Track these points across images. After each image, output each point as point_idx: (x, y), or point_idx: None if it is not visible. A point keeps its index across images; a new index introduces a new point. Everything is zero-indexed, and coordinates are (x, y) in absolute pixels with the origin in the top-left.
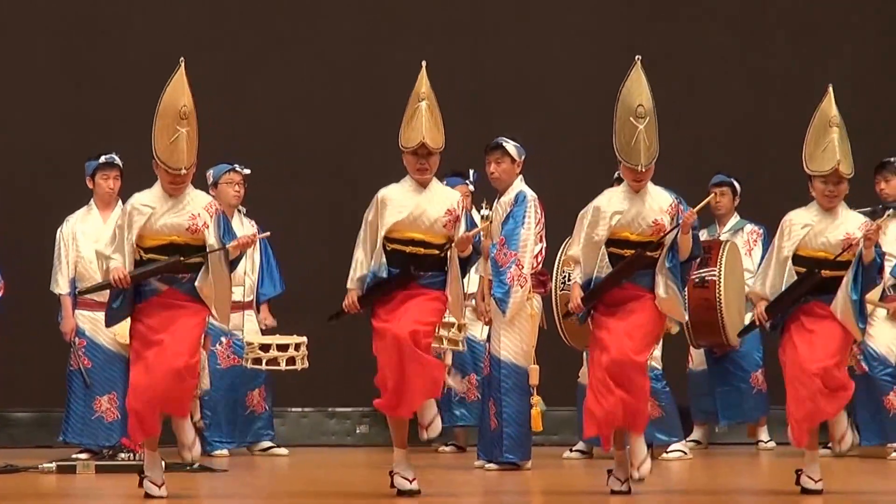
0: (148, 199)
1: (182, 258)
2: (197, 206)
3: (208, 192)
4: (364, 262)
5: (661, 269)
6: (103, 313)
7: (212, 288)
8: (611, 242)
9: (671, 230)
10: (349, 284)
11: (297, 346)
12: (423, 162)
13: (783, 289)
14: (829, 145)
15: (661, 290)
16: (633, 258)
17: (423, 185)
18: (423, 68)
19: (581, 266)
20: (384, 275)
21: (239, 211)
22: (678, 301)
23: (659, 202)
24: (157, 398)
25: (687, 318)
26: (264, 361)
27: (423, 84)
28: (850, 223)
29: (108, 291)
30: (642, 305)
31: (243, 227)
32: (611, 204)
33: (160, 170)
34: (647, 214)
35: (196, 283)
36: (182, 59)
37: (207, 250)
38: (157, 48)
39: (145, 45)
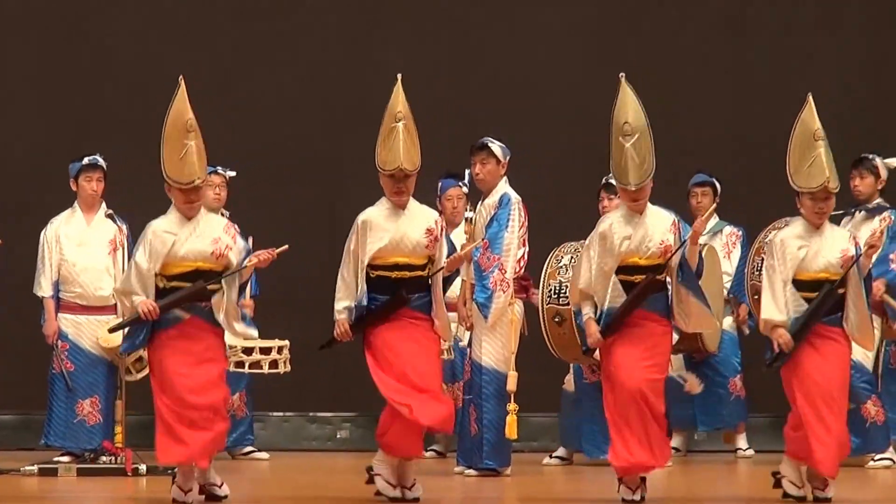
0: (167, 226)
1: (204, 283)
2: (216, 229)
3: None
4: (349, 292)
5: (676, 288)
6: (86, 317)
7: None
8: (620, 270)
9: (678, 249)
10: (337, 314)
11: (280, 350)
12: (399, 185)
13: (797, 313)
14: (815, 160)
15: (682, 313)
16: (647, 283)
17: (401, 206)
18: (399, 82)
19: (593, 299)
20: (367, 304)
21: (222, 214)
22: (708, 319)
23: (661, 223)
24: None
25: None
26: (247, 365)
27: (399, 101)
28: (839, 238)
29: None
30: (654, 331)
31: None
32: (616, 230)
33: (174, 191)
34: (654, 236)
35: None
36: (182, 77)
37: (224, 273)
38: (141, 50)
39: (130, 47)
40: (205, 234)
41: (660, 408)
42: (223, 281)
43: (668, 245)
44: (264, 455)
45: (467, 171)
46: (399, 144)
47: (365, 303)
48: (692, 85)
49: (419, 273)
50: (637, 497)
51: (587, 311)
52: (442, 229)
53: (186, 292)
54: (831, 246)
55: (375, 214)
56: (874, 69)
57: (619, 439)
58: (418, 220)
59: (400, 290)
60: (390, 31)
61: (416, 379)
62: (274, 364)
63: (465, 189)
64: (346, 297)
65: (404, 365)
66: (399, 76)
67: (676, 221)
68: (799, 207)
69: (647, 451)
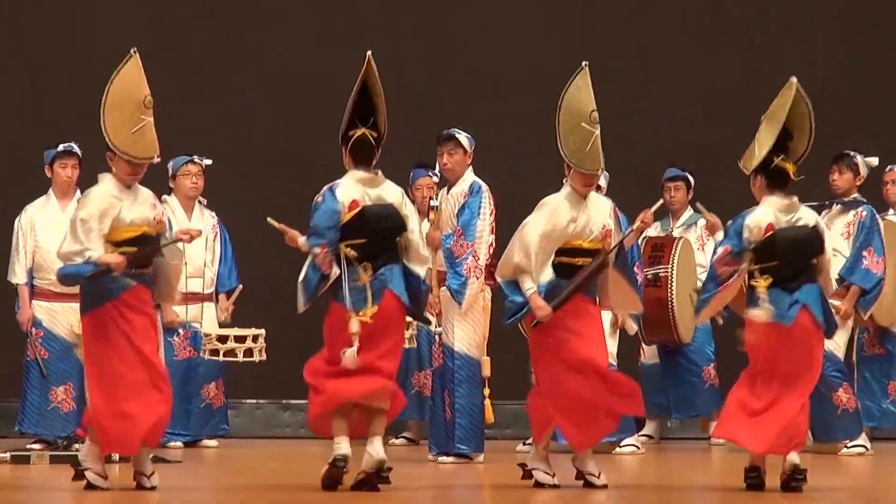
0: (111, 190)
1: (166, 239)
2: (149, 196)
3: (168, 185)
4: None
5: (610, 271)
6: (61, 304)
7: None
8: (562, 252)
9: (626, 234)
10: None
11: (255, 338)
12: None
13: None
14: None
15: (613, 295)
16: (601, 263)
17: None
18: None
19: (530, 275)
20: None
21: (199, 202)
22: (636, 303)
23: (602, 207)
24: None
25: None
26: (221, 353)
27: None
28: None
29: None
30: (590, 311)
31: (203, 218)
32: (564, 213)
33: (120, 161)
34: (596, 220)
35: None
36: (134, 49)
37: (161, 242)
38: (113, 40)
39: (101, 38)
40: (144, 201)
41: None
42: (165, 254)
43: (609, 229)
44: (213, 443)
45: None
46: None
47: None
48: (664, 81)
49: None
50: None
51: (530, 286)
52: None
53: (156, 245)
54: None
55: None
56: (848, 67)
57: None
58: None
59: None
60: (360, 26)
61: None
62: (249, 353)
63: (435, 179)
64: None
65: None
66: (369, 54)
67: (614, 207)
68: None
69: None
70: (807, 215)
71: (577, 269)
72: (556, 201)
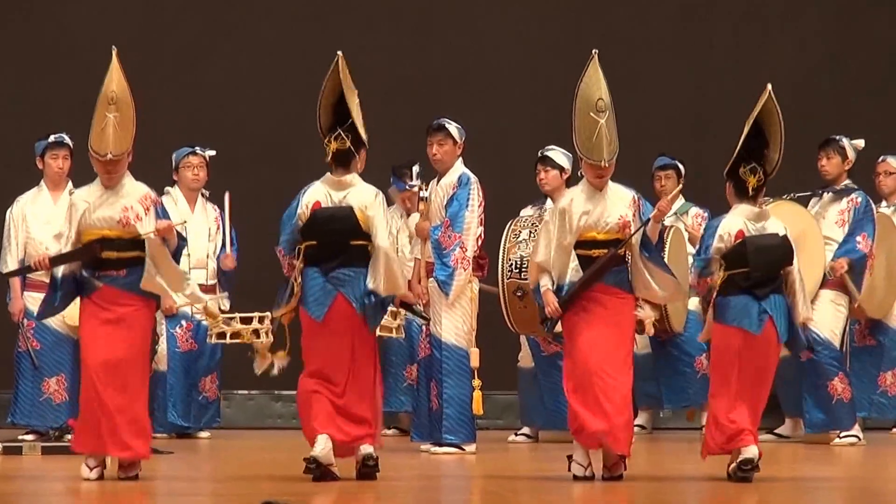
0: (86, 194)
1: (100, 245)
2: (131, 198)
3: (172, 177)
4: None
5: (644, 263)
6: None
7: (158, 284)
8: (578, 244)
9: (643, 225)
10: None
11: (262, 320)
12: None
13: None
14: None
15: (656, 286)
16: (610, 256)
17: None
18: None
19: (550, 273)
20: None
21: (202, 195)
22: (678, 288)
23: (621, 199)
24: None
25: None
26: (228, 335)
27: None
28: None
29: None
30: (619, 306)
31: (206, 212)
32: (576, 205)
33: (92, 160)
34: (612, 211)
35: (141, 285)
36: (114, 47)
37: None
38: (105, 31)
39: (93, 29)
40: (117, 203)
41: (623, 385)
42: (148, 252)
43: (627, 220)
44: (205, 434)
45: (415, 169)
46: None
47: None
48: (653, 70)
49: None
50: (588, 473)
51: (545, 283)
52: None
53: (77, 250)
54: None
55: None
56: (836, 54)
57: (577, 405)
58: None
59: None
60: (352, 17)
61: None
62: (255, 333)
63: (415, 188)
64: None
65: None
66: (340, 53)
67: (636, 198)
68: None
69: (603, 420)
70: (774, 225)
71: (593, 260)
72: (571, 194)
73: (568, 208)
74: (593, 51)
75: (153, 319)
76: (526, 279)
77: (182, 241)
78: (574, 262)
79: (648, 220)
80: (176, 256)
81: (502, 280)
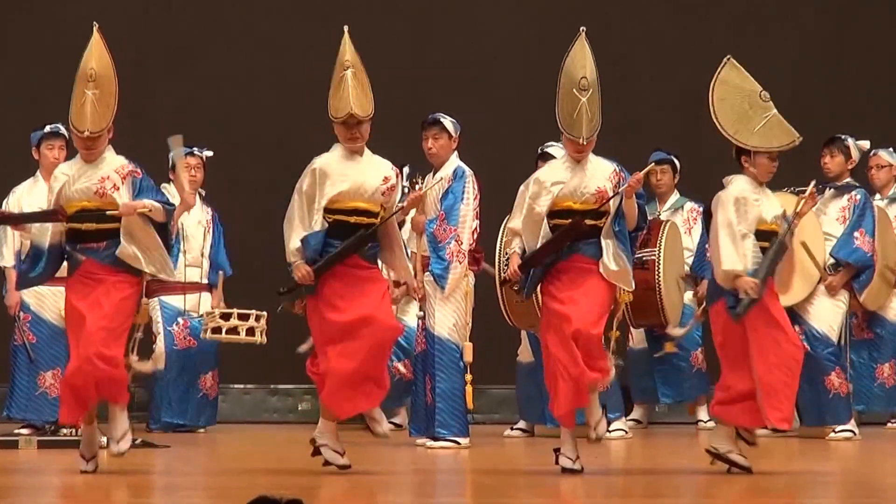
0: (67, 168)
1: (55, 210)
2: (108, 168)
3: (168, 175)
4: (302, 228)
5: (608, 234)
6: (48, 288)
7: (133, 253)
8: (554, 214)
9: (613, 195)
10: (290, 258)
11: (258, 318)
12: (353, 131)
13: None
14: (773, 119)
15: (609, 260)
16: (572, 225)
17: (356, 153)
18: (346, 33)
19: (521, 238)
20: (322, 248)
21: (199, 195)
22: (627, 271)
23: (601, 170)
24: (89, 382)
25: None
26: (224, 331)
27: (347, 51)
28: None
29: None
30: (592, 277)
31: (202, 212)
32: (552, 175)
33: (73, 135)
34: (590, 182)
35: (117, 252)
36: (95, 24)
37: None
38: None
39: (88, 19)
40: (95, 175)
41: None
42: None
43: (605, 192)
44: (201, 428)
45: (405, 170)
46: (349, 92)
47: (320, 244)
48: (650, 65)
49: (374, 220)
50: (577, 466)
51: (513, 246)
52: (398, 178)
53: (30, 213)
54: (770, 200)
55: (333, 158)
56: (833, 50)
57: (555, 388)
58: (375, 167)
59: (361, 232)
60: (345, 9)
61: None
62: (251, 331)
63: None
64: (299, 233)
65: (353, 313)
66: (346, 28)
67: (618, 170)
68: (749, 166)
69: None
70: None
71: None
72: (550, 165)
73: (542, 177)
74: (581, 28)
75: (137, 294)
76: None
77: (169, 208)
78: (545, 230)
79: (620, 191)
80: (164, 233)
81: (499, 273)
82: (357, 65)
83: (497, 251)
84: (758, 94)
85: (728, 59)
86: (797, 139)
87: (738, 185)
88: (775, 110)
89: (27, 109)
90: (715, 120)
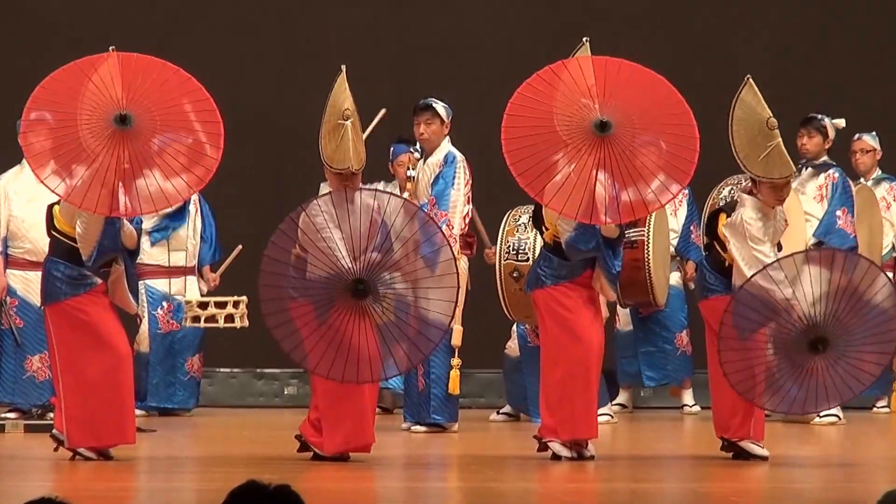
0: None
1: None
2: None
3: None
4: None
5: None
6: (35, 273)
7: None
8: None
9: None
10: None
11: (236, 304)
12: (347, 182)
13: None
14: (775, 150)
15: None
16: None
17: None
18: (343, 73)
19: None
20: None
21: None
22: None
23: None
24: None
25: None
26: (203, 319)
27: (346, 99)
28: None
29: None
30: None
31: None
32: None
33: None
34: None
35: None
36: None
37: None
38: (83, 8)
39: (72, 6)
40: None
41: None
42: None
43: None
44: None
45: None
46: (349, 146)
47: None
48: (632, 47)
49: None
50: (573, 454)
51: None
52: None
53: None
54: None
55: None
56: (814, 31)
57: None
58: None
59: None
60: None
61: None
62: (230, 318)
63: (416, 154)
64: None
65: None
66: (343, 67)
67: None
68: (757, 191)
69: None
70: None
71: None
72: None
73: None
74: (584, 39)
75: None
76: (523, 261)
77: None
78: None
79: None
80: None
81: (499, 262)
82: (355, 115)
83: (499, 246)
84: (765, 121)
85: (748, 79)
86: (793, 172)
87: (746, 212)
88: (779, 139)
89: (11, 97)
90: (731, 140)
